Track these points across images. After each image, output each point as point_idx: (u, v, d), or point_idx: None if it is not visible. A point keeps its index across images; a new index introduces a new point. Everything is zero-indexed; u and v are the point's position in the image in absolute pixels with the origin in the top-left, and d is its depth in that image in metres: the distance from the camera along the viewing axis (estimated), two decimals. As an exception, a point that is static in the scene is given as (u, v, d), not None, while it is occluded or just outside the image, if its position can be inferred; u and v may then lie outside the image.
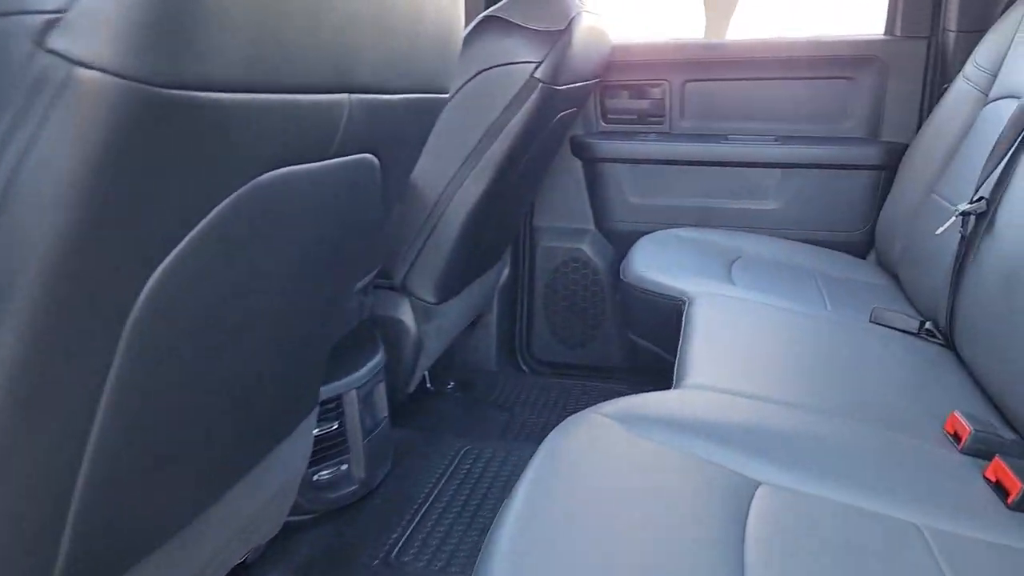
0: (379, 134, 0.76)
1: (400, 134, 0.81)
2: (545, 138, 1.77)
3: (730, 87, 2.12)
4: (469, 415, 2.02)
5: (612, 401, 0.96)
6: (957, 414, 1.06)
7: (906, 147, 1.97)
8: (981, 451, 1.01)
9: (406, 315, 1.63)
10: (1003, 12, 1.79)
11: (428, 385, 2.16)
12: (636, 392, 1.01)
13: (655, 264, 1.72)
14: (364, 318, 1.58)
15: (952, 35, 1.90)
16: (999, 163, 1.33)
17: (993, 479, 0.95)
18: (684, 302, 1.50)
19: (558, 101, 1.67)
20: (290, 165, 0.63)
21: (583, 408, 0.94)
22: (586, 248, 2.24)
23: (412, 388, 1.70)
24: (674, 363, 1.24)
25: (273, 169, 0.61)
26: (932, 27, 1.96)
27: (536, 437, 1.90)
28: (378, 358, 1.46)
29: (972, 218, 1.35)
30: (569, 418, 0.90)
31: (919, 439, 1.03)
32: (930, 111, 1.97)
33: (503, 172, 1.59)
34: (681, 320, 1.47)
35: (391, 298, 1.63)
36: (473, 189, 1.56)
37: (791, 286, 1.72)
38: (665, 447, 0.88)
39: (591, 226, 2.26)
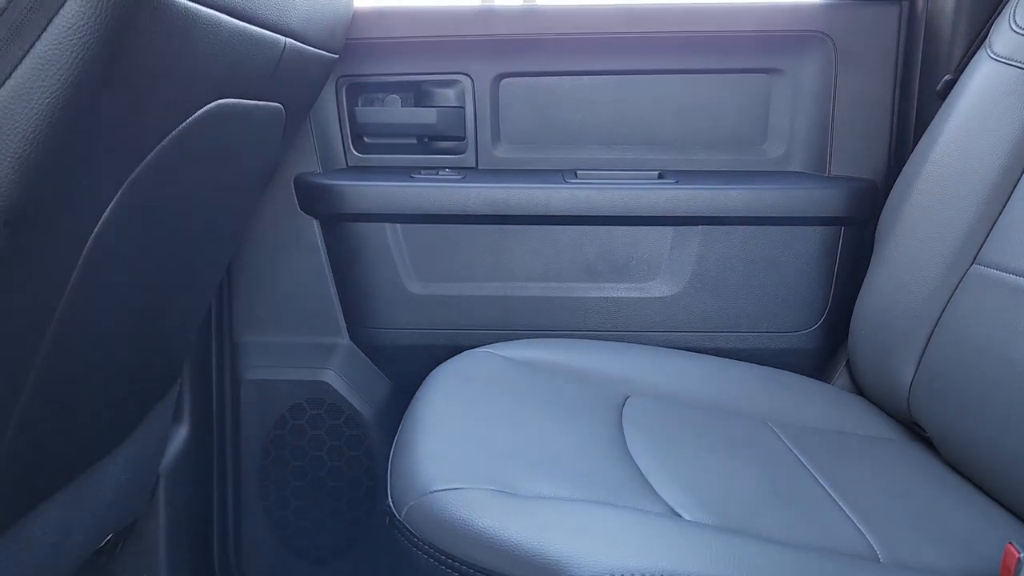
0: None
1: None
2: (203, 158, 0.75)
3: (580, 87, 1.21)
4: None
5: None
6: None
7: (876, 185, 1.15)
8: None
9: None
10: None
11: None
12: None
13: (469, 453, 0.75)
14: None
15: (948, -8, 1.11)
16: None
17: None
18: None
19: (207, 50, 0.65)
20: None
21: None
22: (333, 379, 1.22)
23: None
24: None
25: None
26: (905, -16, 1.17)
27: None
28: None
29: None
30: None
31: None
32: (907, 122, 1.17)
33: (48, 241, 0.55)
34: None
35: None
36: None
37: (768, 480, 0.80)
38: None
39: (341, 339, 1.24)
